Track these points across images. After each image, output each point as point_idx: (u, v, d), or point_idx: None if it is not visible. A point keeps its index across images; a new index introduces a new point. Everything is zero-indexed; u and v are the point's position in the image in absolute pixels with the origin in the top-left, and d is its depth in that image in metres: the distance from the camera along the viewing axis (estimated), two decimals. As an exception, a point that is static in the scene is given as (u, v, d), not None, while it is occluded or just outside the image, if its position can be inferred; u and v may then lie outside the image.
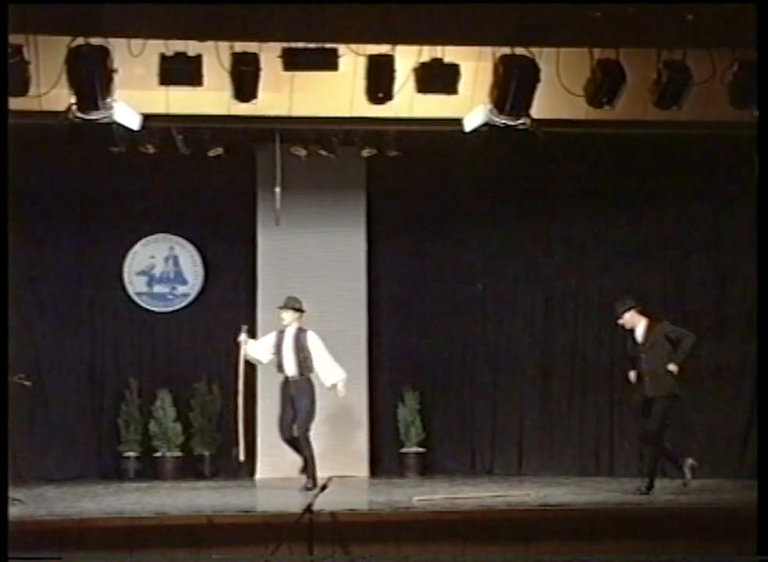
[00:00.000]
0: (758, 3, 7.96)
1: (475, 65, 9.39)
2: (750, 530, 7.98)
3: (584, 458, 12.68)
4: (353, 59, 9.16)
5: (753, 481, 10.77)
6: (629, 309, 10.72)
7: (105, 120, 9.27)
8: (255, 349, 11.40)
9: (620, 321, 10.78)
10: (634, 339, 10.74)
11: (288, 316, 11.31)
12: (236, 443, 11.53)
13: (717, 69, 9.21)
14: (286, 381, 11.23)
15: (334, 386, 11.22)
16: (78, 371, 12.92)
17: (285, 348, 11.24)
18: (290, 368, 11.17)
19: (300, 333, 11.25)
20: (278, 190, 12.01)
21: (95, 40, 8.72)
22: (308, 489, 10.63)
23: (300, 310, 11.32)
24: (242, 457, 11.46)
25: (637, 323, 10.71)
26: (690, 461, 10.42)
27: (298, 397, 11.09)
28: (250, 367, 12.05)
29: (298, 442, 11.04)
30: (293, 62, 8.98)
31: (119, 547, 8.52)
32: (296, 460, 11.21)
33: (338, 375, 11.22)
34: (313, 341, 11.22)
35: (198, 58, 8.96)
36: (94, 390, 13.05)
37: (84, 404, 12.93)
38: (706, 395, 12.11)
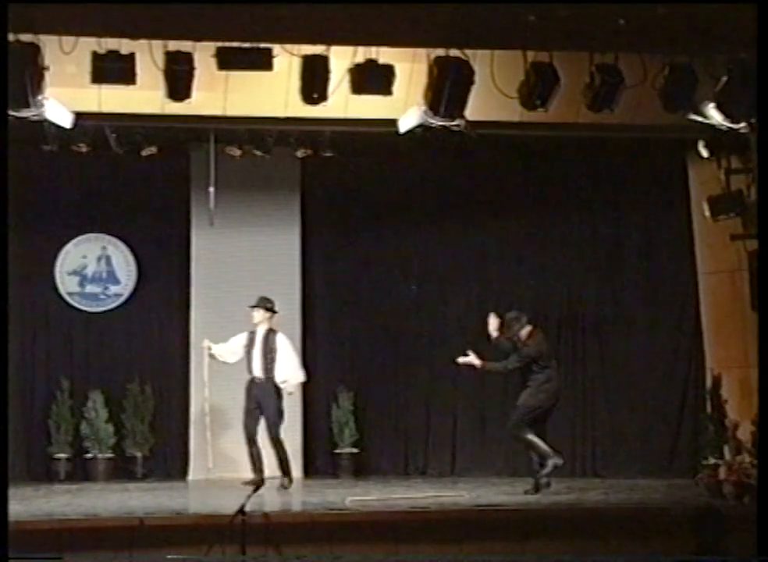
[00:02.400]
0: (758, 3, 8.05)
1: (410, 67, 9.41)
2: (681, 529, 8.07)
3: (517, 458, 12.74)
4: (287, 59, 9.13)
5: (683, 480, 11.01)
6: (524, 325, 10.72)
7: (36, 118, 9.16)
8: (225, 350, 11.40)
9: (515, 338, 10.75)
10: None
11: (258, 315, 11.35)
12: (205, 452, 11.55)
13: (649, 73, 9.30)
14: (252, 381, 11.21)
15: (284, 382, 11.21)
16: (8, 372, 12.75)
17: (254, 349, 11.26)
18: (257, 369, 11.19)
19: (270, 334, 11.30)
20: (212, 190, 11.97)
21: (25, 37, 8.61)
22: (284, 488, 10.85)
23: (271, 310, 11.36)
24: (211, 466, 11.43)
25: (525, 336, 10.72)
26: (551, 462, 10.47)
27: (265, 399, 11.13)
28: (183, 367, 12.02)
29: (254, 444, 11.12)
30: (227, 61, 8.93)
31: (48, 550, 8.42)
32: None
33: (293, 374, 11.29)
34: (282, 342, 11.27)
35: (131, 57, 8.88)
36: (25, 391, 12.91)
37: (14, 405, 12.76)
38: (638, 395, 12.26)
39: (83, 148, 11.74)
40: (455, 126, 9.54)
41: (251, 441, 11.18)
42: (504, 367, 10.69)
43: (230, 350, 11.41)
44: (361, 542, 8.77)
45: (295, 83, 9.25)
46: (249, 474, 11.11)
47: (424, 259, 13.36)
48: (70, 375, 12.92)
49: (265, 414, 11.16)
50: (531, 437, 10.53)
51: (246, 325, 11.35)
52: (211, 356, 11.40)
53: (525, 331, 10.72)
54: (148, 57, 8.94)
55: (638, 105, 9.69)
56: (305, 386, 13.04)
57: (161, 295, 13.25)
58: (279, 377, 11.20)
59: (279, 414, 11.18)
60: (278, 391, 11.21)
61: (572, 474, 12.27)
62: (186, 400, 12.51)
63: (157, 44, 8.97)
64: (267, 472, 11.25)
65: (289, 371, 11.30)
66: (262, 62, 8.96)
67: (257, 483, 9.30)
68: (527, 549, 8.84)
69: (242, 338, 11.41)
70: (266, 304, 11.35)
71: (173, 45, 8.97)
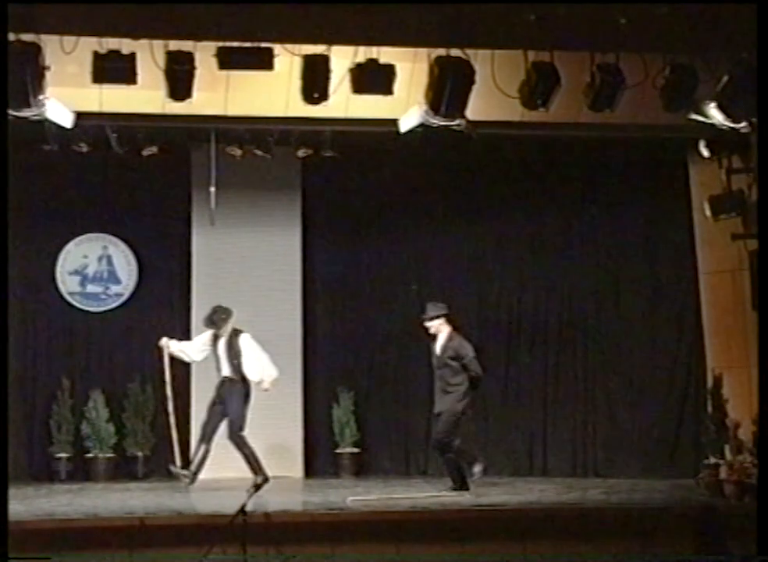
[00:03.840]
0: (758, 3, 8.05)
1: (411, 66, 9.40)
2: (683, 529, 8.08)
3: (518, 458, 12.76)
4: (288, 59, 9.13)
5: (684, 480, 11.00)
6: (440, 316, 10.64)
7: (37, 118, 9.16)
8: (187, 347, 11.45)
9: (428, 324, 10.69)
10: (434, 350, 10.68)
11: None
12: (171, 451, 11.51)
13: (650, 72, 9.29)
14: (223, 381, 11.25)
15: (260, 382, 11.21)
16: (9, 371, 12.74)
17: (219, 349, 11.29)
18: (225, 369, 11.24)
19: (234, 335, 11.29)
20: (213, 189, 11.98)
21: (27, 37, 8.61)
22: (258, 486, 10.66)
23: (231, 314, 11.39)
24: (178, 465, 11.41)
25: (440, 332, 10.65)
26: (478, 466, 10.50)
27: (229, 398, 11.14)
28: (184, 369, 12.01)
29: (205, 442, 11.12)
30: (228, 61, 8.93)
31: (49, 549, 8.41)
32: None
33: (266, 371, 11.23)
34: (245, 342, 11.25)
35: (132, 57, 8.88)
36: (26, 391, 12.92)
37: (16, 405, 12.76)
38: (637, 394, 12.26)
39: (84, 148, 11.74)
40: (456, 125, 9.54)
41: (204, 439, 11.15)
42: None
43: (194, 348, 11.46)
44: (362, 542, 8.77)
45: (296, 82, 9.24)
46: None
47: (425, 259, 13.36)
48: (71, 375, 12.94)
49: (228, 414, 11.12)
50: (459, 444, 10.52)
51: (248, 325, 11.34)
52: (171, 354, 11.38)
53: (437, 324, 10.62)
54: (149, 57, 8.94)
55: (639, 105, 9.68)
56: (306, 386, 13.07)
57: (162, 295, 13.26)
58: (252, 377, 11.18)
59: (241, 415, 11.10)
60: (246, 393, 11.17)
61: (573, 474, 12.29)
62: (187, 399, 12.49)
63: (158, 44, 8.97)
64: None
65: (261, 370, 11.23)
66: (263, 61, 8.96)
67: (259, 483, 9.23)
68: (528, 550, 8.83)
69: (206, 336, 11.43)
70: (221, 317, 11.34)
71: (174, 45, 8.97)
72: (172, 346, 11.39)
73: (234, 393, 11.15)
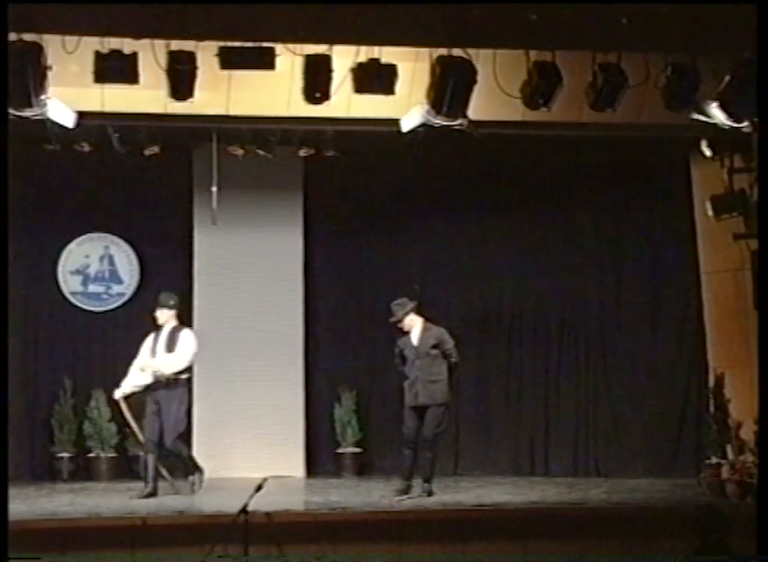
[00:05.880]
0: (758, 3, 8.04)
1: (412, 66, 9.40)
2: (684, 528, 8.04)
3: (520, 458, 12.76)
4: (290, 59, 9.13)
5: (686, 480, 11.00)
6: (409, 312, 10.56)
7: (39, 117, 9.16)
8: (137, 376, 10.85)
9: (403, 322, 10.59)
10: (410, 342, 10.56)
11: (162, 316, 10.94)
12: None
13: (652, 72, 9.29)
14: (156, 382, 10.72)
15: (157, 371, 10.64)
16: (11, 371, 12.72)
17: (158, 349, 10.85)
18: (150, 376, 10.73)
19: (175, 331, 10.89)
20: (214, 189, 11.97)
21: (28, 37, 8.62)
22: (194, 487, 10.68)
23: (174, 307, 10.96)
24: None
25: (414, 325, 10.57)
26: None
27: (165, 401, 10.61)
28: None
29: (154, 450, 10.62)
30: (229, 60, 8.93)
31: (51, 549, 8.43)
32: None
33: (170, 362, 10.65)
34: (185, 338, 10.83)
35: (134, 56, 8.88)
36: (28, 390, 12.92)
37: (17, 405, 12.76)
38: (639, 392, 12.26)
39: (86, 148, 11.73)
40: (457, 125, 9.54)
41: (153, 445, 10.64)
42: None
43: (143, 358, 10.80)
44: (364, 541, 8.78)
45: (298, 82, 9.24)
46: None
47: (427, 258, 13.35)
48: (73, 375, 12.93)
49: (163, 418, 10.62)
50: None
51: (249, 325, 11.33)
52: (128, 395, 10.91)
53: (409, 320, 10.56)
54: (151, 56, 8.94)
55: (640, 105, 9.69)
56: (307, 385, 13.06)
57: (163, 294, 13.24)
58: (165, 369, 10.62)
59: (179, 420, 10.62)
60: (185, 394, 10.72)
61: (575, 473, 12.29)
62: (189, 399, 12.47)
63: (159, 44, 8.96)
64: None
65: (168, 359, 10.67)
66: (265, 61, 8.96)
67: (261, 483, 9.18)
68: (530, 549, 8.85)
69: (148, 342, 10.89)
70: (168, 302, 10.90)
71: (176, 45, 8.97)
72: (117, 394, 10.91)
73: (171, 394, 10.61)
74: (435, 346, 10.43)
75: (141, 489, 10.54)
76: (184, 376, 10.77)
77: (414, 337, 10.52)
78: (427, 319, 10.66)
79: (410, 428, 10.39)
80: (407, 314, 10.54)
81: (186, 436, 11.41)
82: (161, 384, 10.68)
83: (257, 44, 8.90)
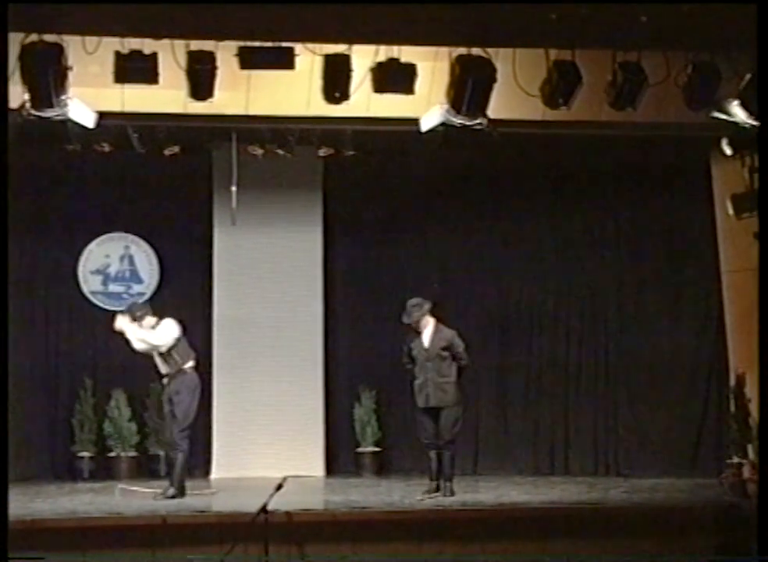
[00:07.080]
0: (758, 3, 8.02)
1: (432, 65, 9.40)
2: (705, 528, 8.04)
3: (540, 458, 12.74)
4: (309, 58, 9.13)
5: (707, 480, 10.96)
6: (425, 313, 10.47)
7: (60, 118, 9.17)
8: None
9: (418, 324, 10.51)
10: (421, 343, 10.50)
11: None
12: None
13: (672, 70, 9.26)
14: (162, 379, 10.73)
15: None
16: (32, 371, 12.80)
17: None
18: (162, 366, 10.68)
19: (156, 326, 10.66)
20: (234, 189, 12.00)
21: (49, 37, 8.64)
22: (165, 497, 10.19)
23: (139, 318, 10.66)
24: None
25: (426, 325, 10.51)
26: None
27: (175, 395, 10.49)
28: (206, 366, 12.00)
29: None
30: (249, 60, 8.94)
31: (72, 548, 8.46)
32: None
33: (151, 335, 10.49)
34: (166, 322, 10.62)
35: (154, 56, 8.91)
36: (48, 389, 12.95)
37: (39, 404, 12.82)
38: (659, 393, 12.23)
39: (106, 148, 11.78)
40: (477, 124, 9.52)
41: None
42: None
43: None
44: (384, 541, 8.78)
45: (317, 82, 9.25)
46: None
47: (446, 257, 13.34)
48: (93, 374, 12.96)
49: (173, 411, 10.45)
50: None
51: (268, 324, 11.32)
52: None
53: (423, 321, 10.49)
54: (171, 56, 8.96)
55: (661, 103, 9.66)
56: (327, 385, 13.07)
57: (183, 294, 13.25)
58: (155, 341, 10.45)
59: (187, 413, 10.44)
60: (190, 386, 10.49)
61: (595, 473, 12.27)
62: (209, 398, 12.50)
63: (179, 44, 8.99)
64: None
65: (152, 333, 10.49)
66: (284, 61, 8.97)
67: (280, 482, 9.16)
68: (549, 549, 8.83)
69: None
70: (135, 314, 10.64)
71: (195, 45, 8.99)
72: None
73: (178, 388, 10.49)
74: (445, 348, 10.41)
75: (165, 489, 10.41)
76: (188, 366, 10.59)
77: (426, 339, 10.50)
78: (439, 320, 10.63)
79: (428, 430, 10.39)
80: (423, 315, 10.50)
81: (197, 435, 11.39)
82: (170, 377, 10.55)
83: (276, 44, 8.91)
